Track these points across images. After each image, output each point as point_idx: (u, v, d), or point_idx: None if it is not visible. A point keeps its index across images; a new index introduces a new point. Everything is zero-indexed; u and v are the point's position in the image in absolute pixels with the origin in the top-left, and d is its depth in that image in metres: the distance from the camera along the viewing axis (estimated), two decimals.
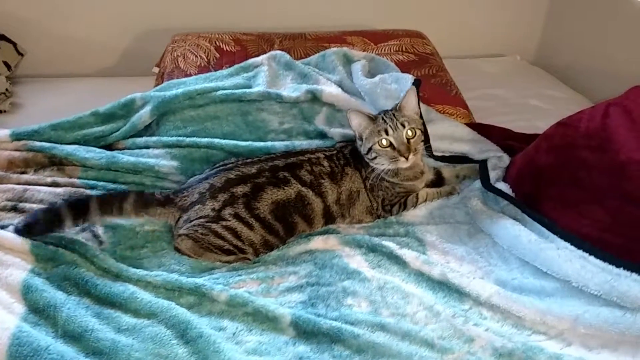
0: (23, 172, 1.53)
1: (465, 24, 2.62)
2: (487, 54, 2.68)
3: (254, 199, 1.32)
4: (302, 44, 2.15)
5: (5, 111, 2.02)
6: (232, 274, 1.26)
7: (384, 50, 2.13)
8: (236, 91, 1.69)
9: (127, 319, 1.12)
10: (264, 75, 1.78)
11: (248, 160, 1.40)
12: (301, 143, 1.59)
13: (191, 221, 1.32)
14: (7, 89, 2.09)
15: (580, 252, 1.15)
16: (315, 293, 1.20)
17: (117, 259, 1.27)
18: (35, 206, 1.40)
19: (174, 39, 2.15)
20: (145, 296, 1.16)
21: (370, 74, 1.83)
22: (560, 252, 1.17)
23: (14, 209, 1.39)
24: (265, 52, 1.91)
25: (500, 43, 2.72)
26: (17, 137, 1.59)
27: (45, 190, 1.45)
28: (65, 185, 1.49)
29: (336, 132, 1.62)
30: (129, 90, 1.76)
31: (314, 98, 1.70)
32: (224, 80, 1.78)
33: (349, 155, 1.45)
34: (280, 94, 1.70)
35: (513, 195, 1.41)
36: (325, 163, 1.41)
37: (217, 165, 1.42)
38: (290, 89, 1.74)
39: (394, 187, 1.45)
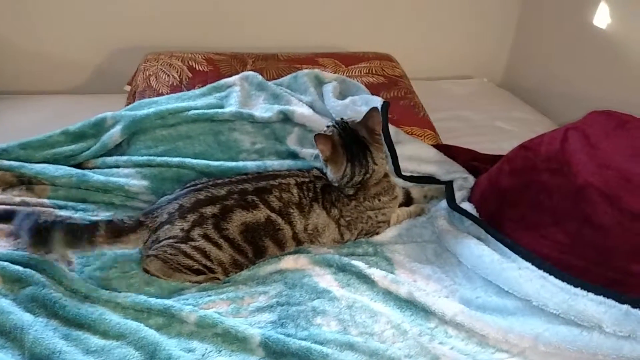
0: None
1: (433, 47, 2.70)
2: (454, 76, 2.76)
3: (223, 220, 1.32)
4: (274, 65, 2.18)
5: None
6: (201, 295, 1.26)
7: (355, 72, 2.18)
8: (208, 111, 1.70)
9: (95, 341, 1.11)
10: (236, 95, 1.80)
11: (218, 182, 1.40)
12: (273, 163, 1.61)
13: (160, 241, 1.31)
14: None
15: (540, 272, 1.20)
16: (285, 313, 1.22)
17: (86, 279, 1.26)
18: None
19: (147, 58, 2.16)
20: (114, 317, 1.15)
21: (342, 95, 1.87)
22: (522, 272, 1.22)
23: None
24: (237, 73, 1.94)
25: (467, 66, 2.80)
26: None
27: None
28: (34, 205, 1.47)
29: (307, 152, 1.65)
30: (100, 108, 1.76)
31: (286, 118, 1.73)
32: (196, 100, 1.79)
33: (320, 191, 1.42)
34: (253, 114, 1.72)
35: (477, 215, 1.45)
36: (295, 191, 1.40)
37: (187, 185, 1.42)
38: (263, 109, 1.76)
39: (377, 215, 1.46)
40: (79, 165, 1.63)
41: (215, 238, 1.31)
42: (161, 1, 2.36)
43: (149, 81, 2.02)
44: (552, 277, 1.17)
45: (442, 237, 1.44)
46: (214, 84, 1.88)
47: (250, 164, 1.60)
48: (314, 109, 1.78)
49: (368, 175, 1.41)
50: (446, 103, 2.34)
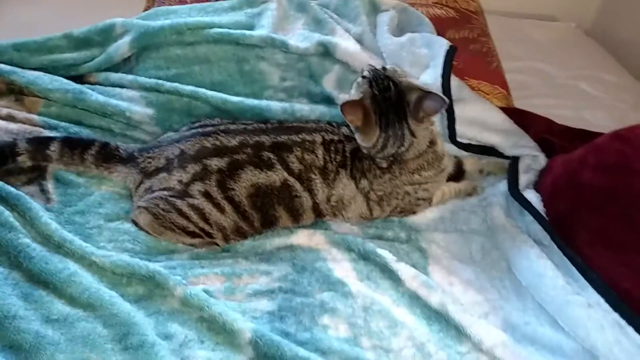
0: None
1: None
2: (536, 15, 2.33)
3: (230, 177, 1.09)
4: None
5: None
6: (192, 264, 1.07)
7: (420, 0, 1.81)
8: (234, 31, 1.43)
9: (59, 307, 0.96)
10: (270, 14, 1.51)
11: (231, 127, 1.15)
12: (302, 107, 1.34)
13: (153, 191, 1.11)
14: None
15: (615, 315, 0.92)
16: (287, 303, 1.02)
17: (63, 223, 1.09)
18: None
19: None
20: (85, 280, 0.99)
21: (399, 28, 1.53)
22: (591, 311, 0.93)
23: None
24: None
25: (554, 4, 2.36)
26: None
27: None
28: (21, 121, 1.29)
29: (346, 98, 1.35)
30: (118, 11, 1.53)
31: (326, 52, 1.42)
32: (222, 15, 1.51)
33: (349, 155, 1.16)
34: (287, 42, 1.42)
35: (544, 210, 1.16)
36: (320, 152, 1.14)
37: (195, 125, 1.20)
38: (300, 36, 1.46)
39: (416, 191, 1.19)
40: (79, 78, 1.41)
41: (218, 198, 1.10)
42: None
43: None
44: (631, 329, 0.89)
45: (495, 232, 1.17)
46: None
47: (275, 105, 1.33)
48: (361, 43, 1.46)
49: (403, 149, 1.12)
50: (522, 50, 1.95)
